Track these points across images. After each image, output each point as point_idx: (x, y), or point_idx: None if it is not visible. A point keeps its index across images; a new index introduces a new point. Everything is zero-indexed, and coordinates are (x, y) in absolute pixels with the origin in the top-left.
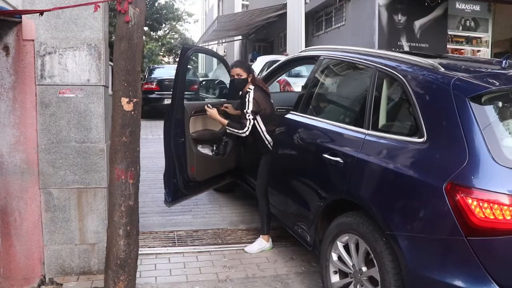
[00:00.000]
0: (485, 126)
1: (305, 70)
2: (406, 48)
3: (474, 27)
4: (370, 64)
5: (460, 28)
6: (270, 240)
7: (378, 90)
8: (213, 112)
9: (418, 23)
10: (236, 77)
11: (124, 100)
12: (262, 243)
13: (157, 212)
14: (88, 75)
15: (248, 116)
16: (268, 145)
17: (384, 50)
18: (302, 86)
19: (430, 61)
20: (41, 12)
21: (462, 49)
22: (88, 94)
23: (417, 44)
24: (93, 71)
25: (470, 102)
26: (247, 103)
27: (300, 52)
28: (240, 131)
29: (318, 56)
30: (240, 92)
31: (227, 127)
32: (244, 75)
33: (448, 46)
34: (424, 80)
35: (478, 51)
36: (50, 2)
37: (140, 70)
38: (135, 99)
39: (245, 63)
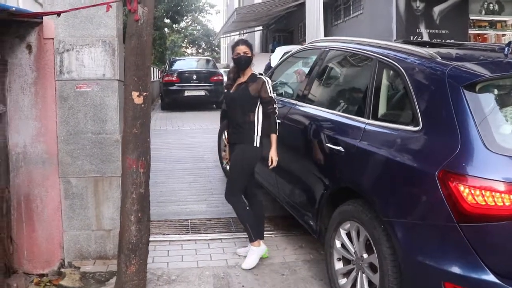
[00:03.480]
0: (479, 114)
1: None
2: (426, 36)
3: (499, 11)
4: (371, 54)
5: (483, 12)
6: (261, 243)
7: (378, 80)
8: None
9: (437, 9)
10: (242, 54)
11: (135, 94)
12: (255, 252)
13: (173, 201)
14: (103, 70)
15: (275, 98)
16: (256, 137)
17: (383, 40)
18: (305, 77)
19: (428, 50)
20: (58, 14)
21: (485, 34)
22: (103, 88)
23: (436, 31)
24: (108, 66)
25: (464, 90)
26: (268, 89)
27: (308, 44)
28: (278, 121)
29: (323, 48)
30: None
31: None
32: (250, 54)
33: (470, 31)
34: (421, 70)
35: (503, 35)
36: (68, 3)
37: (150, 65)
38: (145, 93)
39: (250, 43)
